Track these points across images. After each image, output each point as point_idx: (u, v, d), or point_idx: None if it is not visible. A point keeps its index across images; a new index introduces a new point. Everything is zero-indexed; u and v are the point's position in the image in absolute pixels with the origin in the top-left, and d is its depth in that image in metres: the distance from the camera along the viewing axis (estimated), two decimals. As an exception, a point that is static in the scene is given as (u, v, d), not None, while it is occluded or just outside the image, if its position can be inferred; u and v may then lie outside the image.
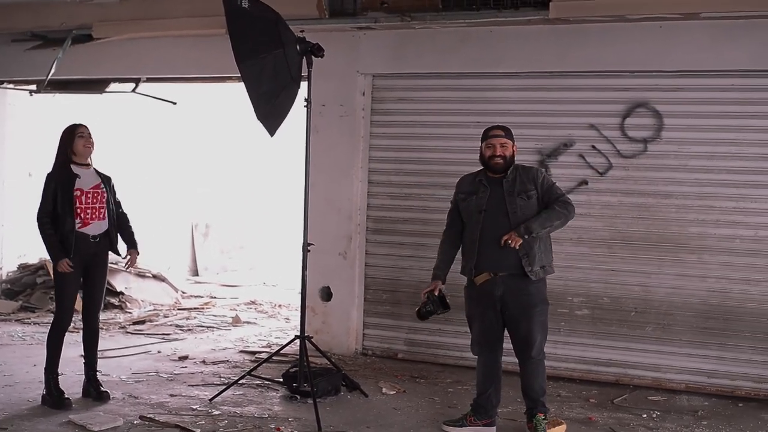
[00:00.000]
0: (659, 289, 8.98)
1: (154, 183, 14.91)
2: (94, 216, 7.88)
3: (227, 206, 16.85)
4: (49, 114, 12.35)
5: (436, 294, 7.29)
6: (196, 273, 16.42)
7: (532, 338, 7.12)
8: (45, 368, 7.92)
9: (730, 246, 8.72)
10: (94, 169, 8.04)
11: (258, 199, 17.05)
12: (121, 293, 12.63)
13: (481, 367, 7.39)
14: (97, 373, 8.17)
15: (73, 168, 7.86)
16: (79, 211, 7.77)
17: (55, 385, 7.88)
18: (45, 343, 8.04)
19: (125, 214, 8.28)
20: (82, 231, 7.80)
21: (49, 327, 8.02)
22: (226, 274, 16.58)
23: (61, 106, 12.40)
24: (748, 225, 8.65)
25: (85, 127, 7.98)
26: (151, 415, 7.51)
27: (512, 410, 7.90)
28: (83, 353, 8.20)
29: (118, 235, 8.18)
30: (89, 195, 7.86)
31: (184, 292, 13.94)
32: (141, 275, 13.24)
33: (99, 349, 8.25)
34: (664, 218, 8.94)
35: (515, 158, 7.26)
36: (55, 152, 7.96)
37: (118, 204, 8.20)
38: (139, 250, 8.41)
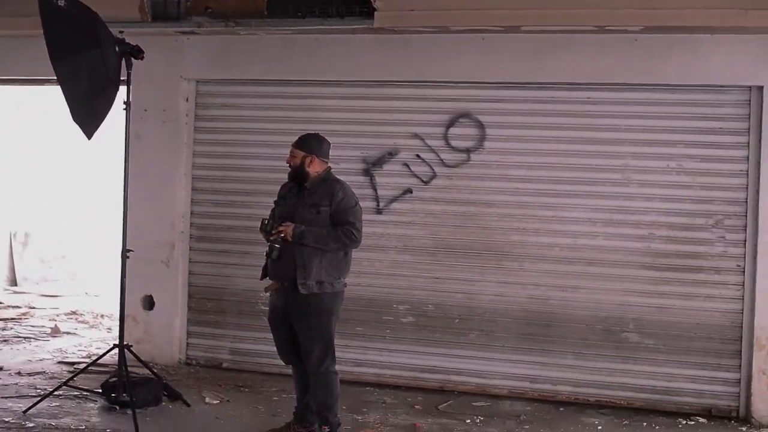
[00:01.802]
0: (482, 297, 9.10)
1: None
2: None
3: (48, 214, 16.31)
4: None
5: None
6: (14, 283, 15.83)
7: (307, 350, 7.11)
8: None
9: (550, 254, 8.92)
10: None
11: (80, 206, 16.54)
12: (-68, 303, 12.13)
13: (294, 376, 7.44)
14: None
15: None
16: None
17: None
18: None
19: None
20: None
21: None
22: (47, 284, 16.03)
23: None
24: (566, 233, 8.86)
25: None
26: (-44, 430, 7.22)
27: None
28: None
29: None
30: None
31: (0, 302, 13.44)
32: (-47, 284, 12.74)
33: None
34: (486, 227, 9.07)
35: (327, 169, 7.25)
36: None
37: None
38: None
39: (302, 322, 7.06)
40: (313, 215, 7.03)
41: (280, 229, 6.99)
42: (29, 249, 16.25)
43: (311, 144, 7.22)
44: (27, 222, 16.15)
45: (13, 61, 10.38)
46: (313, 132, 7.41)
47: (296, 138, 7.30)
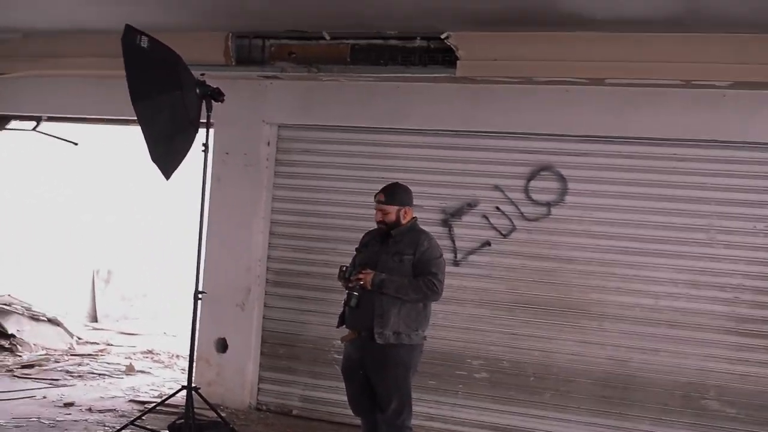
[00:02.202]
0: (559, 355, 8.85)
1: (56, 225, 14.52)
2: None
3: (131, 252, 16.46)
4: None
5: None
6: (95, 319, 15.96)
7: (384, 401, 6.97)
8: None
9: (631, 314, 8.65)
10: None
11: (163, 245, 16.68)
12: (12, 336, 12.19)
13: (362, 428, 7.27)
14: None
15: None
16: None
17: None
18: None
19: None
20: None
21: None
22: (127, 322, 16.13)
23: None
24: (648, 293, 8.59)
25: None
26: (24, 466, 7.19)
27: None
28: None
29: None
30: None
31: (80, 338, 13.51)
32: (35, 318, 12.81)
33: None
34: (566, 283, 8.84)
35: (413, 218, 7.15)
36: None
37: None
38: None
39: (378, 374, 6.93)
40: (395, 264, 6.93)
41: (360, 276, 6.88)
42: (111, 286, 16.39)
43: (402, 196, 7.15)
44: (110, 260, 16.30)
45: (97, 101, 10.51)
46: (393, 182, 7.34)
47: (379, 191, 7.21)
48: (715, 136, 8.38)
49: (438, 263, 7.02)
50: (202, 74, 8.11)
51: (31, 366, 11.33)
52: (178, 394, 8.27)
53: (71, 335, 13.23)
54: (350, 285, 6.96)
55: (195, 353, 8.38)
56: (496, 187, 9.04)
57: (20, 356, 11.86)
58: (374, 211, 7.24)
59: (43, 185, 14.26)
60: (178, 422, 8.17)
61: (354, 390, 7.18)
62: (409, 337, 6.95)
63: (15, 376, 10.77)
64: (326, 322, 9.05)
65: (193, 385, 8.09)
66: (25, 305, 12.86)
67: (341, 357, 7.50)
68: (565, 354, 8.85)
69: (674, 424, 8.51)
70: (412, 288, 6.88)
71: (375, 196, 7.18)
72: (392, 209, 7.03)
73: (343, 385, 7.38)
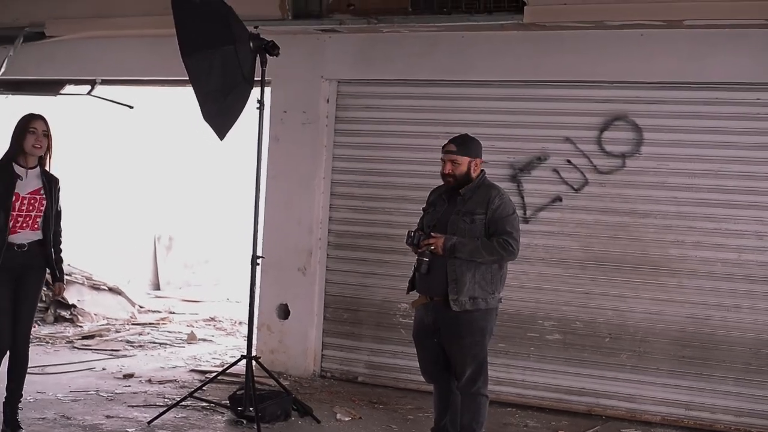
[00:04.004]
0: (635, 314, 8.47)
1: (114, 191, 14.37)
2: (24, 224, 6.83)
3: (192, 218, 16.27)
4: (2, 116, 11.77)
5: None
6: (157, 287, 15.86)
7: (459, 369, 6.60)
8: None
9: (711, 270, 8.24)
10: (41, 169, 6.98)
11: (224, 210, 16.44)
12: (73, 306, 12.05)
13: (435, 395, 6.92)
14: (18, 410, 7.08)
15: (16, 168, 6.83)
16: (9, 218, 6.74)
17: None
18: None
19: (59, 234, 7.13)
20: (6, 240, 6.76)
21: None
22: (189, 289, 16.02)
23: (16, 108, 11.79)
24: (730, 248, 8.17)
25: (41, 120, 6.92)
26: (80, 440, 6.94)
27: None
28: (6, 385, 7.07)
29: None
30: (25, 201, 6.81)
31: (141, 307, 13.37)
32: (96, 288, 12.67)
33: (40, 364, 7.56)
34: (641, 239, 8.45)
35: (481, 173, 6.72)
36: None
37: (58, 215, 7.09)
38: (64, 282, 7.36)
39: (453, 342, 6.56)
40: (467, 224, 6.51)
41: (430, 241, 6.46)
42: (173, 253, 16.29)
43: (474, 147, 6.71)
44: (171, 226, 16.15)
45: (151, 62, 10.24)
46: (463, 134, 6.92)
47: (448, 142, 6.76)
48: (802, 78, 7.91)
49: (512, 220, 6.61)
50: (256, 27, 7.76)
51: (91, 336, 11.19)
52: (239, 363, 7.99)
53: (133, 304, 13.10)
54: (420, 251, 6.55)
55: (256, 320, 8.13)
56: (567, 140, 8.65)
57: (81, 327, 11.73)
58: (439, 168, 6.81)
59: (100, 151, 14.09)
60: (238, 393, 7.92)
61: (426, 356, 6.82)
62: (486, 301, 6.57)
63: (75, 347, 10.61)
64: (390, 284, 8.80)
65: (253, 354, 7.84)
66: (85, 274, 12.74)
67: (407, 321, 7.16)
68: (641, 313, 8.47)
69: (758, 384, 8.10)
70: (486, 250, 6.47)
71: (443, 147, 6.74)
72: (464, 160, 6.59)
73: (409, 349, 7.06)
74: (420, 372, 7.05)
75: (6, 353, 6.89)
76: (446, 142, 6.77)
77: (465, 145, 6.66)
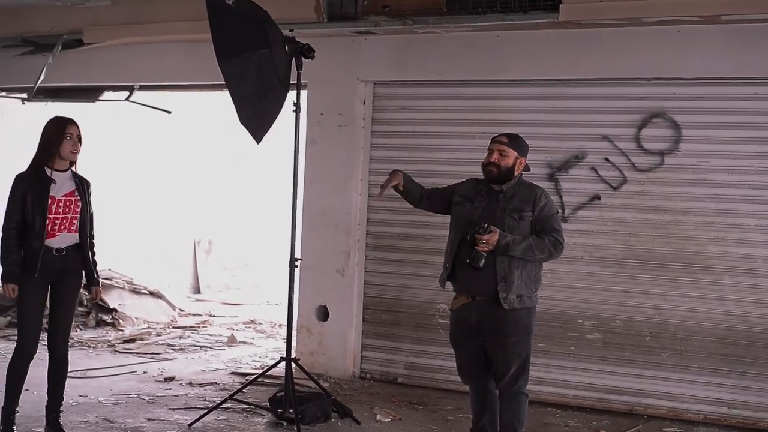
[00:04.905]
0: (676, 313, 8.42)
1: (154, 196, 14.46)
2: (62, 227, 6.83)
3: (231, 221, 16.36)
4: (42, 123, 11.85)
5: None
6: (197, 290, 15.95)
7: (505, 370, 6.55)
8: (2, 406, 6.91)
9: (752, 267, 8.16)
10: (72, 172, 6.98)
11: (263, 213, 16.51)
12: (115, 310, 12.14)
13: (472, 396, 6.88)
14: (61, 414, 7.12)
15: (49, 171, 6.81)
16: (46, 221, 6.75)
17: (8, 426, 6.83)
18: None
19: (93, 237, 7.10)
20: (44, 244, 6.77)
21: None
22: (229, 292, 16.10)
23: (55, 115, 11.93)
24: (771, 244, 8.11)
25: (75, 125, 6.92)
26: (122, 442, 6.99)
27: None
28: (47, 389, 7.10)
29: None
30: (60, 204, 6.82)
31: (182, 310, 13.45)
32: (137, 291, 12.76)
33: (82, 368, 7.62)
34: (681, 236, 8.39)
35: (521, 174, 6.69)
36: (37, 148, 6.92)
37: (91, 218, 7.08)
38: (100, 285, 7.28)
39: (499, 340, 6.51)
40: (515, 222, 6.47)
41: (487, 237, 6.42)
42: (213, 257, 16.38)
43: (524, 145, 6.70)
44: (211, 229, 16.23)
45: (188, 67, 10.31)
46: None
47: (501, 134, 6.73)
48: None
49: (557, 219, 6.63)
50: (291, 30, 7.79)
51: (132, 340, 11.27)
52: (279, 365, 8.01)
53: (173, 307, 13.18)
54: (476, 247, 6.45)
55: (295, 323, 8.16)
56: (605, 138, 8.61)
57: (122, 330, 11.81)
58: (477, 167, 6.76)
59: (139, 156, 14.18)
60: (278, 395, 7.94)
61: (467, 357, 6.76)
62: (530, 299, 6.56)
63: (116, 351, 10.68)
64: (429, 285, 8.70)
65: (293, 356, 7.86)
66: (126, 279, 12.82)
67: (446, 322, 7.12)
68: (681, 311, 8.42)
69: (803, 383, 8.03)
70: (538, 248, 6.46)
71: (493, 138, 6.70)
72: (512, 153, 6.55)
73: (448, 350, 7.01)
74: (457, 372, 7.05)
75: (33, 358, 6.88)
76: (497, 135, 6.76)
77: (516, 141, 6.66)
